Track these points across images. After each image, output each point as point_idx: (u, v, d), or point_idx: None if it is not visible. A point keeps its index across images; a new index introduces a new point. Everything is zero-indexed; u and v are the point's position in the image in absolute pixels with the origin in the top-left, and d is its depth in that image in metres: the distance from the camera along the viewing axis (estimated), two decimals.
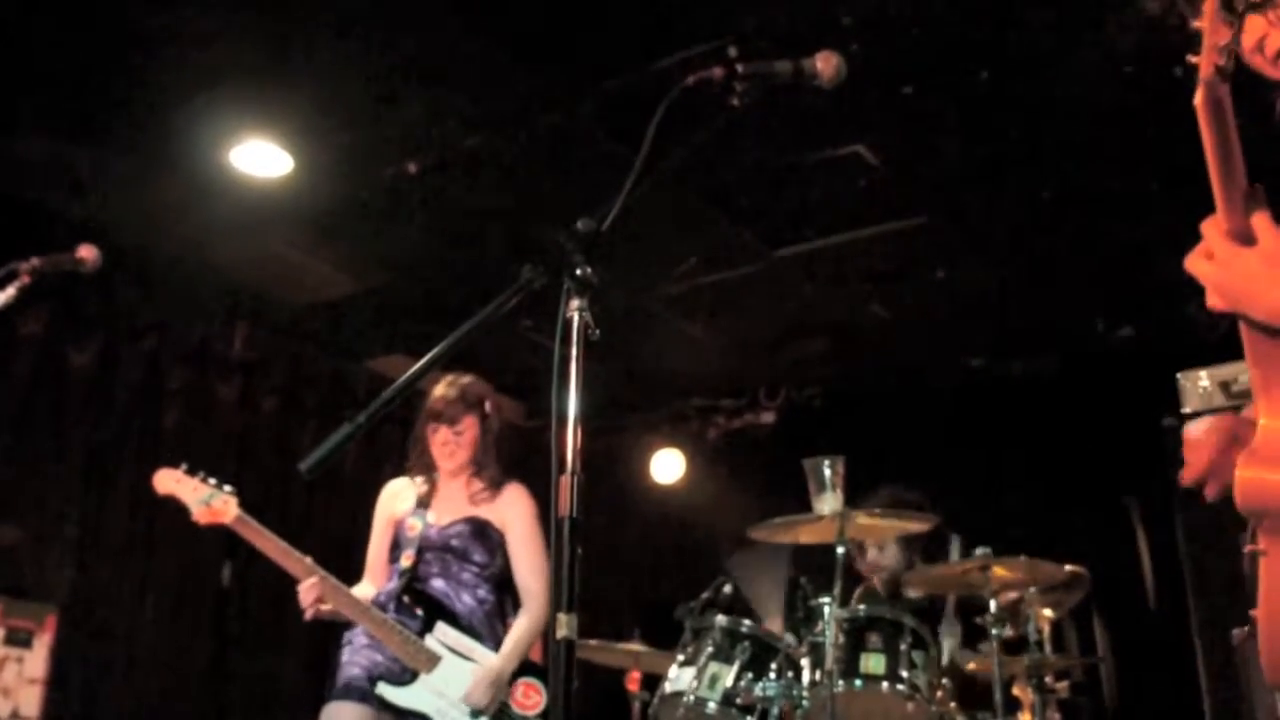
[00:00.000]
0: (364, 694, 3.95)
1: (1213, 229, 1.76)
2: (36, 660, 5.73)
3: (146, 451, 6.24)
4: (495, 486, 4.28)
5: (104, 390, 6.29)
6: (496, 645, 4.07)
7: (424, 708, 3.96)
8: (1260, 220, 1.72)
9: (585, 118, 5.05)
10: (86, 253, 3.33)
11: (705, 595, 4.86)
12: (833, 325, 7.17)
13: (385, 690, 3.95)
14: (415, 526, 4.19)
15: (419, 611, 4.06)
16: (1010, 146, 5.24)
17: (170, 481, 4.08)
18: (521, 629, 4.14)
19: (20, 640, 5.69)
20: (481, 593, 4.16)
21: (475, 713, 3.97)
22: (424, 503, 4.26)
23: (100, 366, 6.28)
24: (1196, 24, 1.68)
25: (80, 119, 5.13)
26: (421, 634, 4.02)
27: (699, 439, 8.70)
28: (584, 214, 1.94)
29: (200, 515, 4.02)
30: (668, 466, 8.73)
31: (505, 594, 4.26)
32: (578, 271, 1.87)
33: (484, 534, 4.21)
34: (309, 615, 3.97)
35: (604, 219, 1.92)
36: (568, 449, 1.77)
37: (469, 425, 4.25)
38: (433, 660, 3.99)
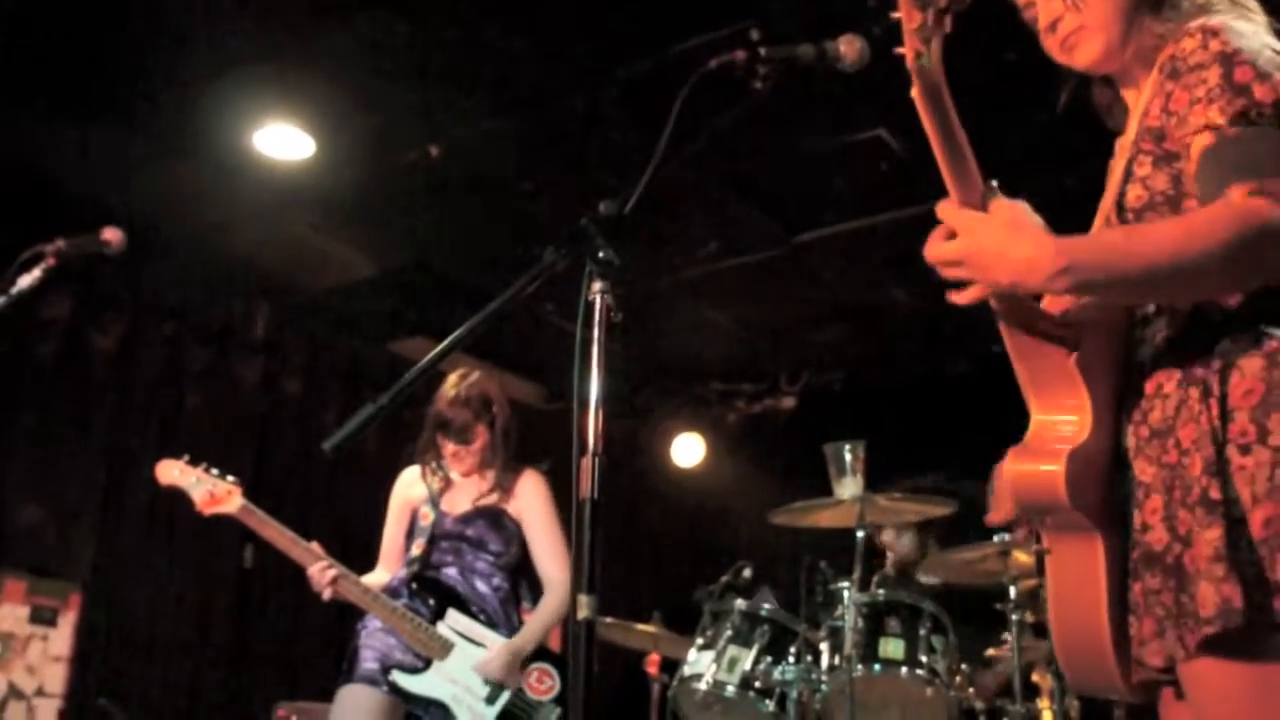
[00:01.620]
0: (377, 679, 3.96)
1: (950, 209, 1.76)
2: (61, 638, 5.78)
3: (169, 433, 6.29)
4: (509, 475, 4.26)
5: (127, 372, 6.33)
6: (510, 633, 4.07)
7: (439, 695, 3.96)
8: (997, 203, 1.73)
9: (607, 102, 5.04)
10: (111, 235, 3.34)
11: (724, 579, 4.88)
12: (854, 310, 7.15)
13: (399, 678, 3.96)
14: (429, 515, 4.19)
15: (430, 599, 4.07)
16: (1034, 130, 5.21)
17: (173, 472, 4.07)
18: (542, 613, 4.14)
19: (45, 618, 5.74)
20: (496, 580, 4.16)
21: (490, 699, 3.98)
22: (438, 492, 4.25)
23: (123, 348, 6.32)
24: (893, 14, 1.66)
25: (104, 102, 5.15)
26: (433, 621, 4.03)
27: (719, 423, 8.71)
28: (606, 197, 1.94)
29: (204, 506, 4.01)
30: (688, 450, 8.74)
31: (520, 581, 4.26)
32: (600, 254, 1.87)
33: (499, 522, 4.20)
34: (327, 595, 3.97)
35: (626, 202, 1.92)
36: (589, 432, 1.78)
37: (479, 434, 4.20)
38: (446, 647, 3.99)
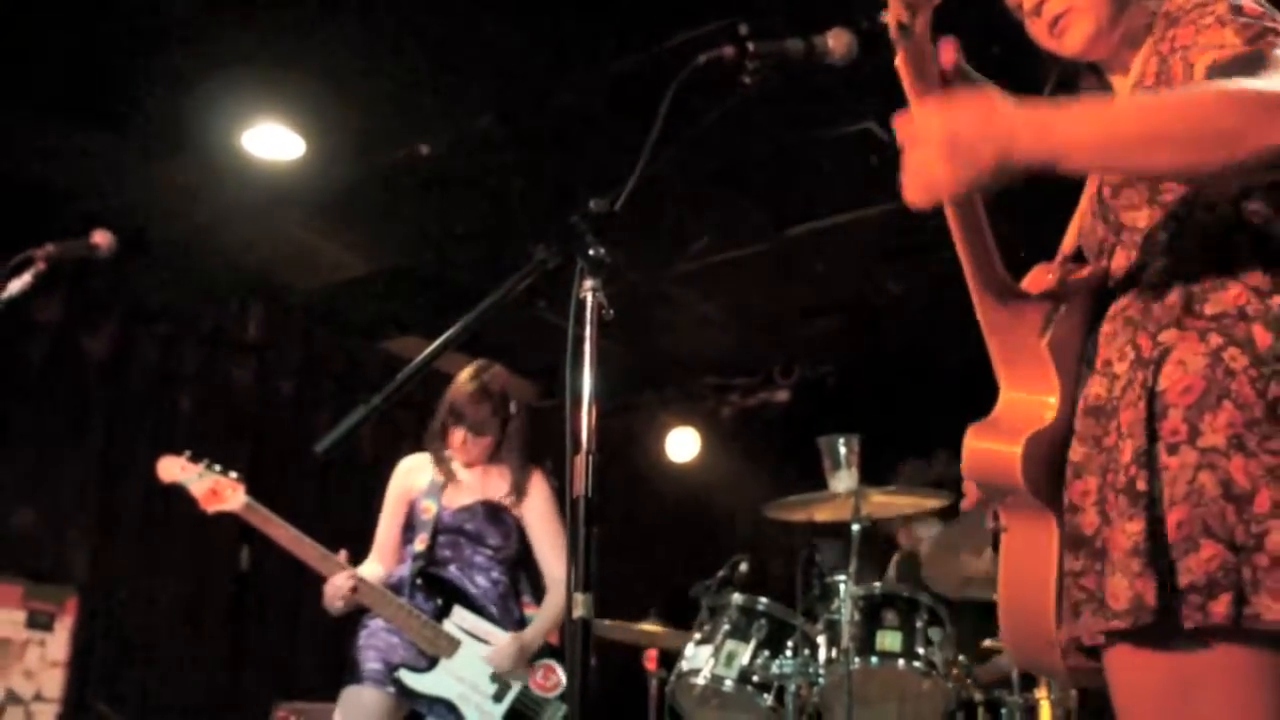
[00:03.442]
0: (383, 679, 3.95)
1: (909, 111, 1.60)
2: (58, 643, 5.78)
3: (163, 435, 6.27)
4: (525, 476, 4.24)
5: (120, 375, 6.32)
6: (512, 628, 4.07)
7: (445, 693, 3.96)
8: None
9: (596, 98, 5.04)
10: (101, 239, 3.33)
11: (721, 573, 4.87)
12: (846, 302, 7.16)
13: (406, 677, 3.95)
14: (430, 509, 4.16)
15: (436, 596, 4.06)
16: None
17: (175, 469, 4.03)
18: (547, 609, 4.14)
19: (42, 623, 5.73)
20: (495, 575, 4.15)
21: (497, 696, 3.98)
22: (439, 485, 4.22)
23: (115, 351, 6.31)
24: None
25: (93, 104, 5.14)
26: (438, 619, 4.02)
27: (713, 417, 8.71)
28: (596, 194, 1.94)
29: (207, 503, 3.97)
30: (683, 445, 8.74)
31: (519, 575, 4.25)
32: (590, 251, 1.87)
33: (498, 517, 4.18)
34: (339, 608, 3.92)
35: (616, 199, 1.92)
36: (583, 429, 1.78)
37: (492, 429, 4.18)
38: (453, 645, 3.99)
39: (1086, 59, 1.93)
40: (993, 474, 1.77)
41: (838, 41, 2.01)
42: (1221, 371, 1.58)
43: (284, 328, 7.17)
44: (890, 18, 1.63)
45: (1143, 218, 1.76)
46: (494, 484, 4.24)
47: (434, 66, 4.92)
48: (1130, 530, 1.58)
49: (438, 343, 1.93)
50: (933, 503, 4.64)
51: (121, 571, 6.08)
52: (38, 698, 5.65)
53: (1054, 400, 1.76)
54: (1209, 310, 1.64)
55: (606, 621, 5.01)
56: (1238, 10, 1.66)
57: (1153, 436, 1.60)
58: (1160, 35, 1.76)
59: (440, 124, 5.31)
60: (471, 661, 3.99)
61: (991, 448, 1.76)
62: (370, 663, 4.00)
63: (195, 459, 4.03)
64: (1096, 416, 1.71)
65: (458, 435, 4.18)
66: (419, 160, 5.51)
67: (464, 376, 4.21)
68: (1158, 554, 1.55)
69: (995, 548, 1.90)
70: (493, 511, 4.19)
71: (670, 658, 4.85)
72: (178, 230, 6.09)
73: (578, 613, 1.70)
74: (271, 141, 5.42)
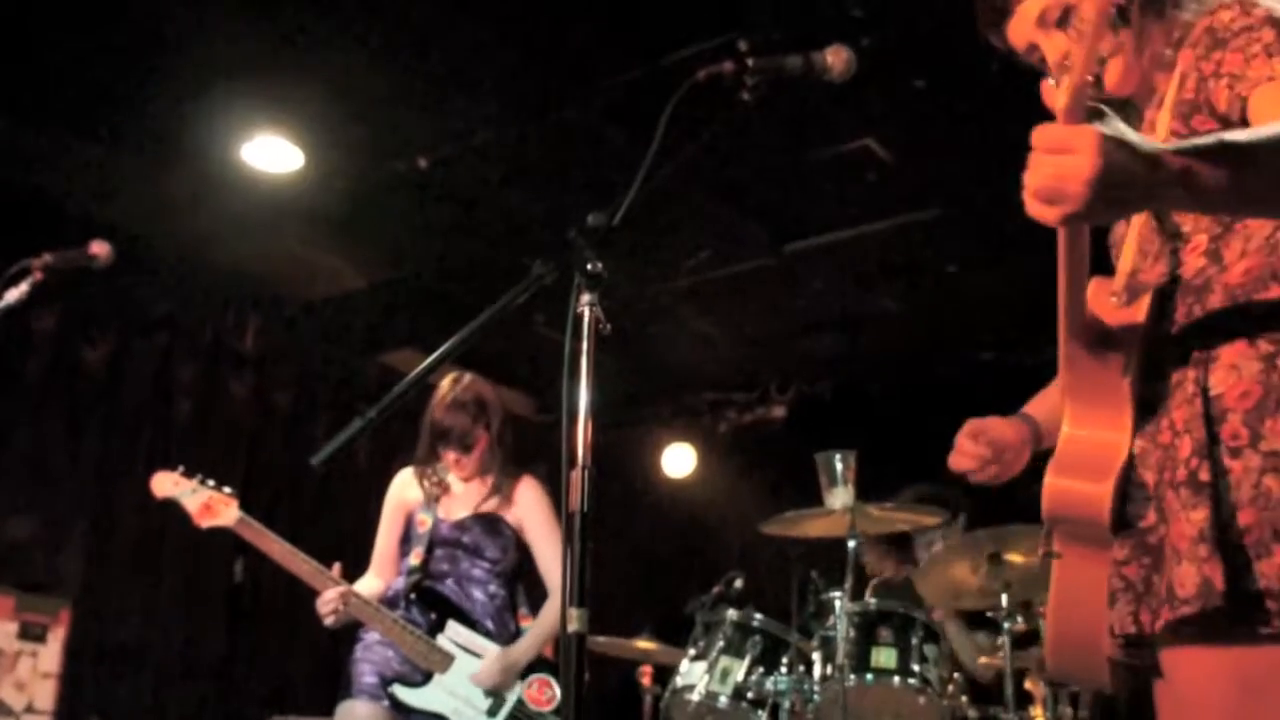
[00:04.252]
0: (378, 693, 3.94)
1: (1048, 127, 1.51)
2: (50, 655, 5.76)
3: (158, 447, 6.27)
4: (508, 481, 4.22)
5: (116, 386, 6.31)
6: (508, 641, 4.06)
7: (439, 708, 3.94)
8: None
9: (596, 113, 5.05)
10: (99, 249, 3.34)
11: (716, 589, 4.86)
12: (844, 319, 7.16)
13: (400, 692, 3.93)
14: (426, 521, 4.14)
15: (430, 611, 4.04)
16: (1021, 139, 5.22)
17: (169, 484, 4.01)
18: (542, 621, 4.11)
19: (34, 635, 5.71)
20: (492, 588, 4.12)
21: (491, 710, 3.96)
22: (435, 498, 4.20)
23: (112, 362, 6.30)
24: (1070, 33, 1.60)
25: (92, 115, 5.14)
26: (433, 633, 4.00)
27: (710, 433, 8.70)
28: (595, 209, 1.94)
29: (201, 519, 3.95)
30: (679, 461, 8.73)
31: (517, 588, 4.23)
32: (588, 266, 1.87)
33: (496, 529, 4.16)
34: (331, 622, 3.90)
35: (615, 214, 1.92)
36: (579, 444, 1.77)
37: (478, 439, 4.15)
38: (446, 660, 3.97)
39: (1122, 96, 1.93)
40: (1078, 511, 1.78)
41: (836, 58, 2.01)
42: (1278, 377, 1.62)
43: (281, 339, 7.17)
44: (1065, 97, 1.50)
45: (1189, 221, 1.78)
46: (490, 494, 4.21)
47: (434, 81, 4.93)
48: (1194, 519, 1.59)
49: (435, 356, 1.93)
50: (929, 520, 4.63)
51: (115, 583, 6.06)
52: (30, 709, 5.63)
53: (1128, 438, 1.78)
54: (1256, 312, 1.67)
55: (601, 638, 5.00)
56: None
57: (1213, 437, 1.63)
58: (1204, 53, 1.75)
59: (439, 138, 5.32)
60: (465, 676, 3.97)
61: (1078, 487, 1.78)
62: (365, 676, 3.98)
63: (189, 474, 4.01)
64: (1152, 413, 1.74)
65: (449, 457, 4.16)
66: (418, 174, 5.51)
67: (438, 394, 4.18)
68: (1224, 545, 1.56)
69: (1045, 569, 1.92)
70: (490, 523, 4.16)
71: (665, 673, 4.84)
72: (176, 241, 6.09)
73: (572, 628, 1.69)
74: (271, 153, 5.43)
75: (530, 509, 4.21)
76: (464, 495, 4.23)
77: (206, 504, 3.95)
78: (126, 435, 6.28)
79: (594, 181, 5.29)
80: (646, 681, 5.36)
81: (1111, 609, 1.70)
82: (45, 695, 5.70)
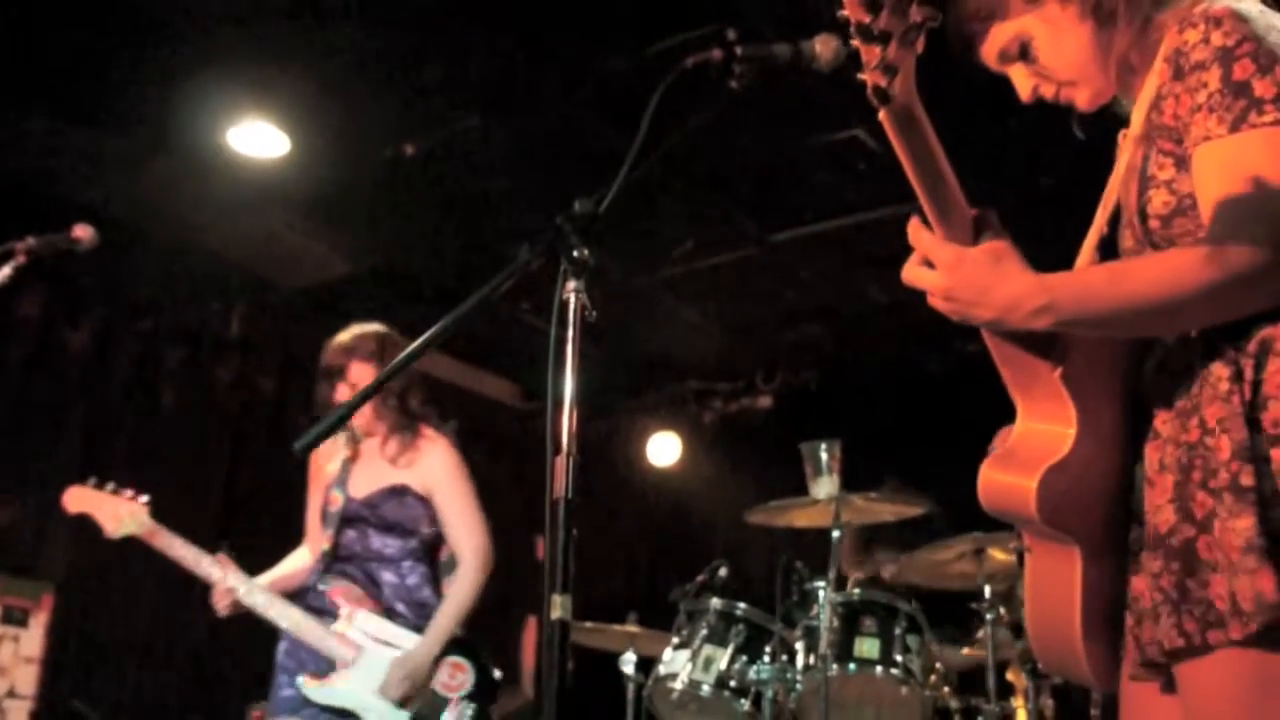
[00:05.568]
0: (297, 707, 3.76)
1: (926, 239, 1.74)
2: (33, 639, 5.74)
3: (143, 431, 6.26)
4: (409, 439, 3.95)
5: (101, 370, 6.29)
6: (425, 620, 3.82)
7: (348, 704, 3.73)
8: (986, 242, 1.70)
9: (582, 100, 5.04)
10: (82, 232, 3.32)
11: (700, 578, 4.87)
12: (830, 309, 7.17)
13: (309, 689, 3.74)
14: (337, 499, 3.92)
15: (339, 599, 3.83)
16: (1009, 131, 5.23)
17: (81, 500, 3.94)
18: (449, 602, 3.83)
19: (16, 619, 5.70)
20: (405, 565, 3.89)
21: (400, 703, 3.72)
22: (345, 470, 3.97)
23: (97, 347, 6.28)
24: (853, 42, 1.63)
25: (78, 99, 5.12)
26: (340, 623, 3.81)
27: (695, 422, 8.70)
28: (581, 196, 1.93)
29: (112, 530, 3.89)
30: (664, 450, 8.73)
31: (437, 560, 4.00)
32: (574, 253, 1.86)
33: (403, 501, 3.91)
34: (223, 613, 3.88)
35: (601, 201, 1.92)
36: (563, 431, 1.77)
37: (364, 376, 3.90)
38: (356, 651, 3.76)
39: (1103, 102, 1.93)
40: (1008, 505, 1.77)
41: (825, 47, 2.00)
42: None
43: (266, 325, 7.14)
44: (867, 80, 1.63)
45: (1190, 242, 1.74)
46: (397, 458, 3.96)
47: (420, 67, 4.91)
48: (1240, 527, 1.54)
49: (419, 342, 1.92)
50: (912, 510, 4.64)
51: (98, 568, 6.03)
52: (11, 694, 5.62)
53: (1072, 431, 1.75)
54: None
55: (586, 624, 5.00)
56: (1227, 78, 1.63)
57: (1255, 426, 1.58)
58: (1171, 75, 1.73)
59: (426, 124, 5.30)
60: (374, 668, 3.74)
61: (1007, 480, 1.76)
62: (283, 689, 3.82)
63: (100, 484, 3.94)
64: (1182, 417, 1.68)
65: (338, 395, 3.92)
66: (404, 160, 5.50)
67: (335, 338, 4.04)
68: (1274, 551, 1.52)
69: (1020, 564, 1.92)
70: (397, 496, 3.91)
71: (647, 661, 4.85)
72: (161, 226, 6.07)
73: (555, 614, 1.69)
74: (257, 139, 5.41)
75: (437, 476, 3.94)
76: (371, 463, 3.98)
77: (116, 514, 3.89)
78: (111, 420, 6.26)
79: (581, 169, 5.27)
80: (629, 670, 5.35)
81: (1153, 624, 1.65)
82: (27, 680, 5.69)
